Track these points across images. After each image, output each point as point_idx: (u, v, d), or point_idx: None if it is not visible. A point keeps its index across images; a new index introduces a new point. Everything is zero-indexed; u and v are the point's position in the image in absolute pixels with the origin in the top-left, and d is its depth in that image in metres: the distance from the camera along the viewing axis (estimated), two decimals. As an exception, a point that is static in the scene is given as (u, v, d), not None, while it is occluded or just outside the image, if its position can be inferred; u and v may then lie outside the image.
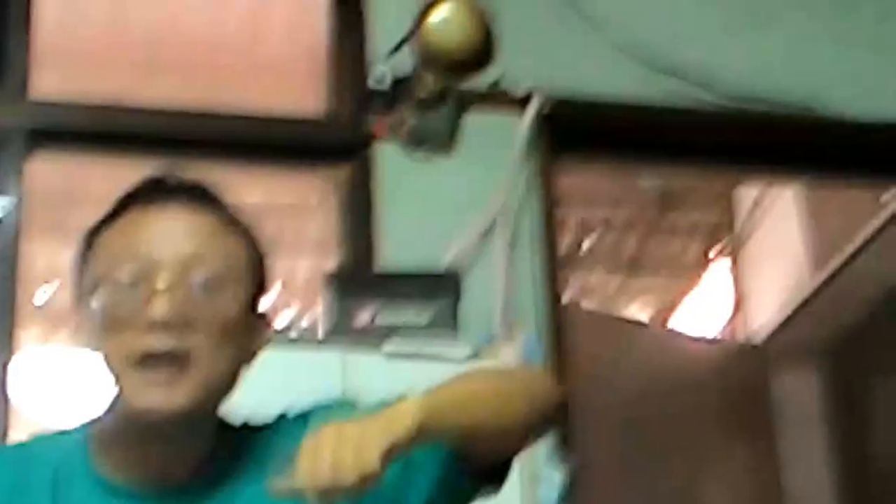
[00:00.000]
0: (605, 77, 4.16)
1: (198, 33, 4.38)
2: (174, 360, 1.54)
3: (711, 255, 5.45)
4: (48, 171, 3.98)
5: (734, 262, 5.33)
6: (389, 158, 4.00)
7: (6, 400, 3.61)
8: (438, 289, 3.64)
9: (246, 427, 1.72)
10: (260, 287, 1.67)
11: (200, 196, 1.66)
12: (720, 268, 5.42)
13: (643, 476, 4.27)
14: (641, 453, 4.31)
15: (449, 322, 3.59)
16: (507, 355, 3.52)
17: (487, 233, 3.92)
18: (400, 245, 3.90)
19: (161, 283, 1.55)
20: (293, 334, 4.26)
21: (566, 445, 3.59)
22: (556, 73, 4.12)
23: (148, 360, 1.54)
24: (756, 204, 5.15)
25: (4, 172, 3.78)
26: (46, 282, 4.85)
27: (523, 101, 4.05)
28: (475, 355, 3.48)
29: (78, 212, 4.72)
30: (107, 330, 1.57)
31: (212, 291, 1.58)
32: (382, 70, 3.98)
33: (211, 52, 4.35)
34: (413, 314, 3.58)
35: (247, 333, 1.62)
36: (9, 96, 3.85)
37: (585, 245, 5.28)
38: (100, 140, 3.94)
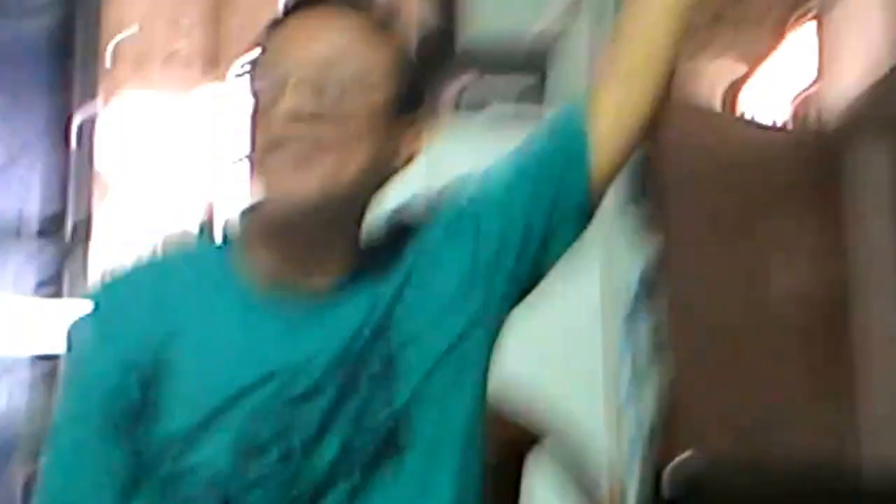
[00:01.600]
0: None
1: None
2: (303, 146, 1.58)
3: (795, 17, 5.32)
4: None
5: (818, 26, 5.22)
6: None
7: (91, 150, 3.67)
8: (528, 60, 3.59)
9: (390, 231, 1.74)
10: (406, 94, 1.66)
11: (347, 1, 1.66)
12: (803, 31, 5.30)
13: (721, 251, 4.29)
14: (720, 232, 4.32)
15: (538, 94, 3.55)
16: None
17: (575, 3, 3.84)
18: (486, 12, 3.83)
19: (298, 76, 1.59)
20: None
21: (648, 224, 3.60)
22: None
23: (279, 145, 1.58)
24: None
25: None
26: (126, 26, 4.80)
27: None
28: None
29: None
30: (254, 122, 1.62)
31: (346, 90, 1.60)
32: None
33: None
34: (502, 85, 3.54)
35: (385, 137, 1.64)
36: None
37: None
38: None
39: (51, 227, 3.74)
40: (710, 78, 5.38)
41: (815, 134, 4.70)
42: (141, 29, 4.88)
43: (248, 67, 1.67)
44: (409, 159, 1.68)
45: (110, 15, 3.82)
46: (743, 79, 5.53)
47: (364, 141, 1.61)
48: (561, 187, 1.72)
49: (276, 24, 1.67)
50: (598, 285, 3.42)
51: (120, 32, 3.91)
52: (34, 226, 3.79)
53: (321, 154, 1.58)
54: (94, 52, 3.72)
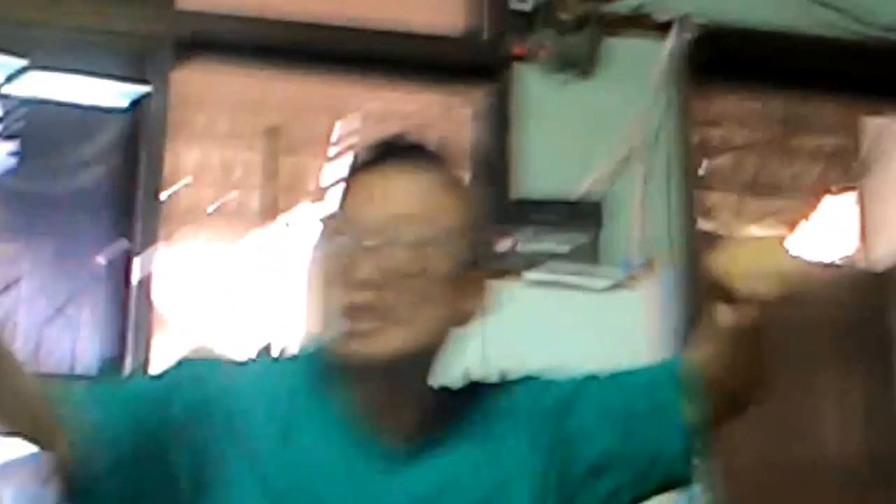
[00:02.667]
0: (751, 3, 4.11)
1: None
2: (374, 315, 1.59)
3: (835, 180, 5.39)
4: (191, 76, 4.00)
5: (858, 188, 5.28)
6: (529, 80, 3.98)
7: (149, 298, 3.71)
8: (580, 217, 3.63)
9: (463, 389, 1.75)
10: (474, 251, 1.67)
11: (420, 157, 1.68)
12: (843, 194, 5.36)
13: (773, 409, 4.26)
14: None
15: (590, 251, 3.59)
16: (647, 286, 3.53)
17: (625, 159, 3.91)
18: (537, 168, 3.89)
19: (369, 242, 1.60)
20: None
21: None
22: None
23: (351, 312, 1.60)
24: (884, 132, 5.09)
25: (152, 77, 3.85)
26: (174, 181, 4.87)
27: (666, 27, 4.02)
28: (615, 286, 3.50)
29: (212, 116, 4.76)
30: (325, 284, 1.63)
31: (420, 251, 1.61)
32: (523, -10, 3.95)
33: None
34: (554, 242, 3.58)
35: (457, 293, 1.65)
36: (159, 5, 3.90)
37: (707, 164, 5.24)
38: (243, 51, 3.96)
39: (108, 373, 3.75)
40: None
41: (863, 281, 4.70)
42: (196, 178, 4.97)
43: (320, 225, 1.68)
44: (473, 314, 1.69)
45: (168, 163, 3.89)
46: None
47: (434, 304, 1.62)
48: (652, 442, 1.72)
49: (349, 178, 1.69)
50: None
51: (177, 181, 3.97)
52: (90, 372, 3.80)
53: (390, 322, 1.60)
54: (154, 200, 3.78)
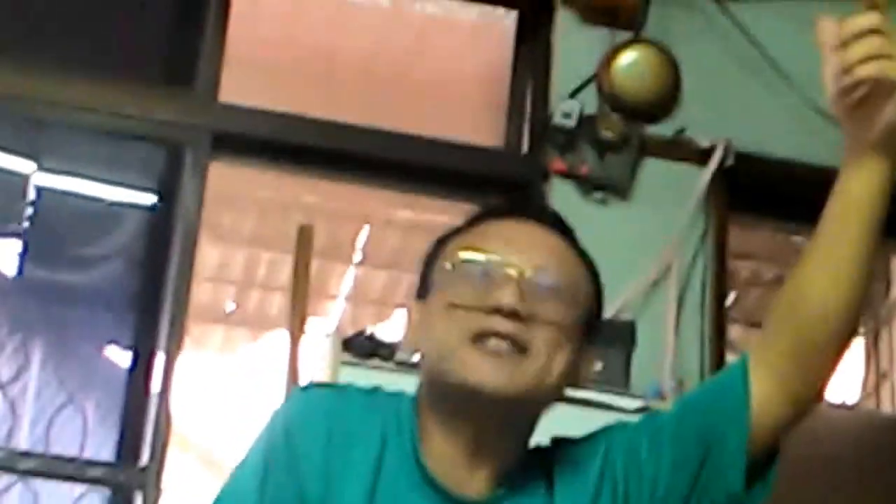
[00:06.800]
0: (790, 135, 4.10)
1: (372, 51, 4.37)
2: (514, 345, 1.59)
3: (861, 322, 5.34)
4: (224, 172, 3.97)
5: (881, 331, 5.24)
6: (564, 197, 3.96)
7: (168, 403, 3.63)
8: (613, 336, 3.59)
9: (547, 448, 1.73)
10: (594, 317, 1.70)
11: (552, 220, 1.73)
12: (868, 336, 5.31)
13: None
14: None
15: (621, 371, 3.53)
16: (676, 411, 3.48)
17: (658, 282, 3.88)
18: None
19: (512, 272, 1.61)
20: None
21: None
22: (740, 128, 4.06)
23: (489, 339, 1.59)
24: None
25: (189, 171, 3.82)
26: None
27: (704, 153, 4.00)
28: (645, 408, 3.44)
29: (235, 215, 4.74)
30: (450, 312, 1.62)
31: (555, 298, 1.63)
32: (569, 107, 3.93)
33: (394, 72, 4.32)
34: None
35: (574, 355, 1.65)
36: (199, 97, 3.89)
37: (734, 296, 5.21)
38: (281, 149, 3.93)
39: (119, 472, 3.68)
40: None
41: (883, 425, 4.66)
42: (217, 278, 4.93)
43: (442, 247, 1.70)
44: (579, 380, 1.69)
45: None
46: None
47: (563, 351, 1.63)
48: (713, 443, 1.66)
49: (485, 218, 1.71)
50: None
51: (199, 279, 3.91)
52: (100, 470, 3.72)
53: (527, 357, 1.60)
54: (181, 299, 3.72)
